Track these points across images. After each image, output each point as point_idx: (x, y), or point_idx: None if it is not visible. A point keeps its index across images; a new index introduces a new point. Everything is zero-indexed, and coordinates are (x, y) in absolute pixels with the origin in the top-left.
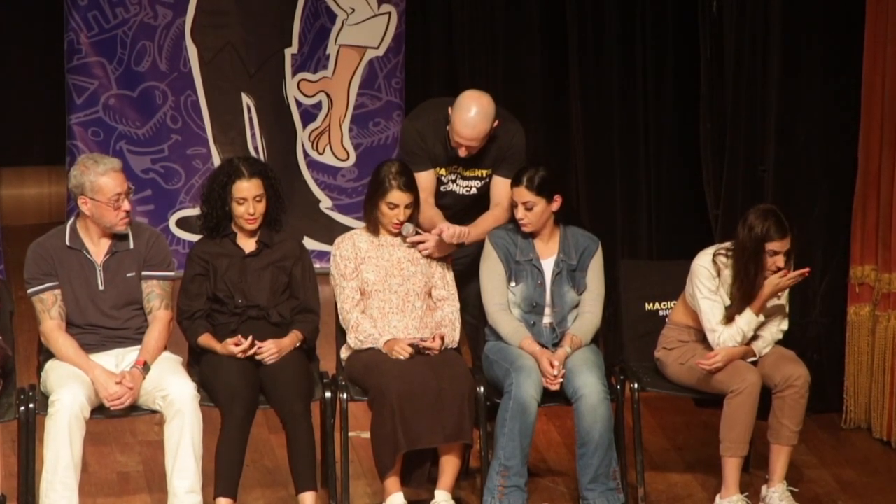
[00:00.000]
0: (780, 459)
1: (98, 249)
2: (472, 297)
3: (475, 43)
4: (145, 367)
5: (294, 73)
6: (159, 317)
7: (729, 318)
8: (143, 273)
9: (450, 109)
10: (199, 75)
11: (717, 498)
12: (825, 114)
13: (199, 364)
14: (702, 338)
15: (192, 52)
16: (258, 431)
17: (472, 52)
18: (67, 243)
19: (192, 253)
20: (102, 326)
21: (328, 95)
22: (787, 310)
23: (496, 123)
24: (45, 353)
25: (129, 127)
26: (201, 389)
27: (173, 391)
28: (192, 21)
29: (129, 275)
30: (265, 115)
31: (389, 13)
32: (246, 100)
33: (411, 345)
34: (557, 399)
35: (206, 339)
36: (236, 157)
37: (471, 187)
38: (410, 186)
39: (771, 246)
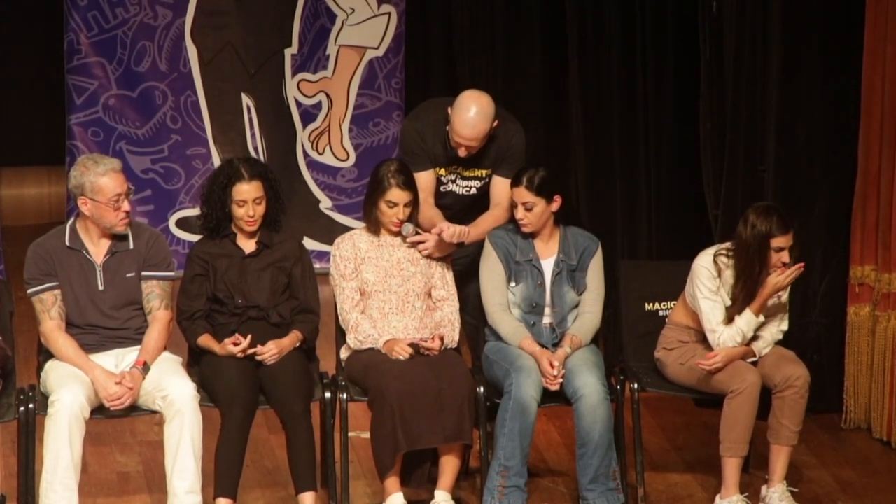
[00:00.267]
0: (779, 460)
1: (98, 250)
2: (472, 297)
3: (475, 43)
4: (145, 368)
5: (294, 74)
6: (159, 317)
7: (730, 319)
8: (143, 273)
9: (449, 109)
10: (199, 75)
11: (717, 498)
12: (825, 114)
13: (198, 364)
14: (702, 338)
15: (191, 52)
16: (258, 431)
17: (472, 52)
18: (67, 243)
19: (192, 253)
20: (102, 327)
21: (328, 96)
22: (787, 310)
23: (496, 123)
24: (45, 354)
25: (128, 127)
26: (201, 390)
27: (173, 391)
28: (191, 21)
29: (128, 275)
30: (265, 115)
31: (389, 13)
32: (246, 100)
33: (411, 345)
34: (557, 399)
35: (205, 340)
36: (236, 158)
37: (470, 187)
38: (409, 185)
39: (776, 242)
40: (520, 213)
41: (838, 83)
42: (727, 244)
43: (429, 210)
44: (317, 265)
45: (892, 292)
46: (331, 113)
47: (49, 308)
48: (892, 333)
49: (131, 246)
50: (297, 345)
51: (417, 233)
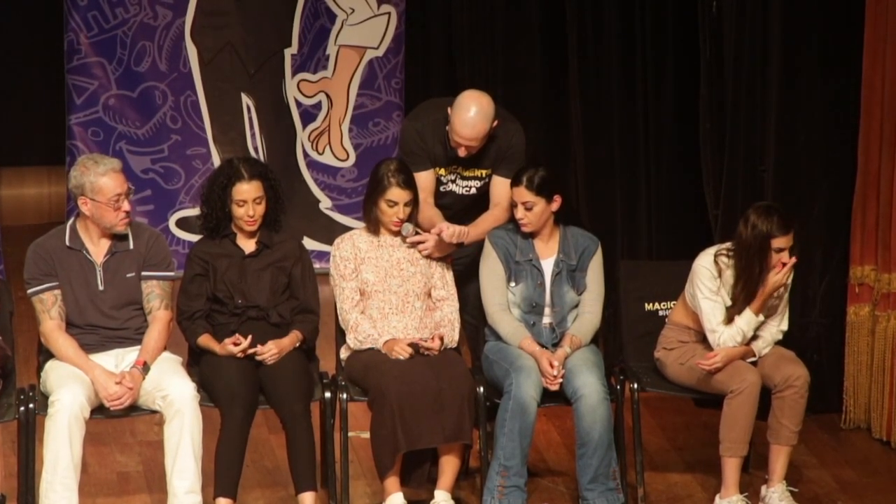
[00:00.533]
0: (779, 459)
1: (98, 250)
2: (472, 297)
3: (475, 43)
4: (145, 368)
5: (294, 74)
6: (159, 317)
7: (730, 319)
8: (143, 273)
9: (449, 109)
10: (199, 75)
11: (717, 498)
12: (825, 113)
13: (198, 364)
14: (701, 338)
15: (191, 52)
16: (258, 431)
17: (472, 53)
18: (67, 243)
19: (192, 253)
20: (102, 327)
21: (328, 96)
22: (787, 310)
23: (495, 123)
24: (45, 354)
25: (128, 127)
26: (201, 389)
27: (173, 391)
28: (191, 21)
29: (128, 275)
30: (265, 115)
31: (389, 13)
32: (246, 100)
33: (411, 345)
34: (557, 399)
35: (205, 340)
36: (236, 158)
37: (470, 187)
38: (409, 184)
39: (776, 243)
40: (520, 213)
41: (838, 83)
42: (727, 244)
43: (428, 210)
44: (317, 265)
45: (892, 292)
46: (331, 113)
47: (49, 308)
48: (891, 333)
49: (131, 246)
50: (297, 345)
51: (417, 233)
